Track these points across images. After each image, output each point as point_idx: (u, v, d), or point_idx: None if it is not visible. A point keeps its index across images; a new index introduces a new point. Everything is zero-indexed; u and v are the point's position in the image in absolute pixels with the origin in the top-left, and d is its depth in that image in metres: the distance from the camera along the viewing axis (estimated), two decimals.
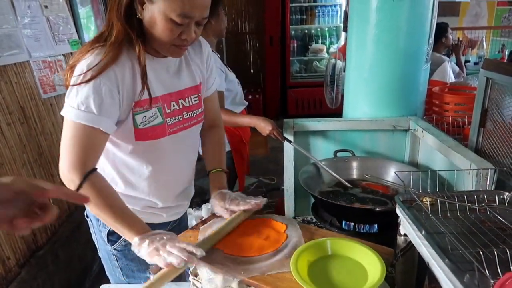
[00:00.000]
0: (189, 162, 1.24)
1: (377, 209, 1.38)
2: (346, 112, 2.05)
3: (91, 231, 1.26)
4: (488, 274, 0.78)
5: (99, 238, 1.22)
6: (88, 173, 0.95)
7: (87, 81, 0.94)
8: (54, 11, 2.31)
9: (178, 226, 1.31)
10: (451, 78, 2.84)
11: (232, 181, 2.27)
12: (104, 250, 1.22)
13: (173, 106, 1.10)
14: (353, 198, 1.58)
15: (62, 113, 0.98)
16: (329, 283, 0.89)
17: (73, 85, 0.95)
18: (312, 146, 1.97)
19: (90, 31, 2.86)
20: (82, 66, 0.96)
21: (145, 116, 1.04)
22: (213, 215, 1.17)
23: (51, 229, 2.02)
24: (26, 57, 2.01)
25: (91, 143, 0.97)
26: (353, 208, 1.46)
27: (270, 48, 5.35)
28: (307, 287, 0.84)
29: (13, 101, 1.88)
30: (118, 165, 1.12)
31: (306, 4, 5.25)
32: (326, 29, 5.43)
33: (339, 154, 1.87)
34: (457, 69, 3.26)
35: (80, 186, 0.94)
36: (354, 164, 1.82)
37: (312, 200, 1.78)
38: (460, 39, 4.08)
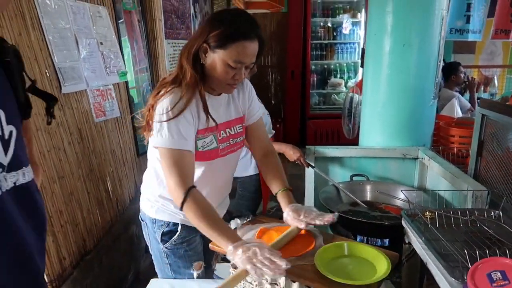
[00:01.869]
0: (229, 178, 1.51)
1: (386, 223, 1.60)
2: (362, 141, 2.29)
3: (144, 233, 1.51)
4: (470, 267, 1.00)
5: (152, 238, 1.47)
6: (189, 189, 1.19)
7: (175, 117, 1.20)
8: (107, 46, 2.66)
9: None
10: (458, 113, 3.06)
11: (258, 203, 2.50)
12: (156, 249, 1.47)
13: (223, 134, 1.37)
14: (367, 216, 1.80)
15: (156, 144, 1.24)
16: (345, 275, 1.11)
17: (163, 121, 1.21)
18: (330, 171, 2.21)
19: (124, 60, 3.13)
20: (166, 104, 1.22)
21: (205, 141, 1.32)
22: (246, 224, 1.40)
23: (97, 237, 2.28)
24: (84, 86, 2.34)
25: (186, 163, 1.22)
26: (366, 222, 1.68)
27: (291, 81, 5.68)
28: (327, 274, 1.07)
29: (73, 124, 2.19)
30: None
31: (326, 42, 5.59)
32: (345, 64, 5.75)
33: (354, 178, 2.10)
34: (468, 105, 3.48)
35: (184, 200, 1.17)
36: (368, 187, 2.04)
37: None
38: (473, 76, 4.31)
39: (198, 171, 1.34)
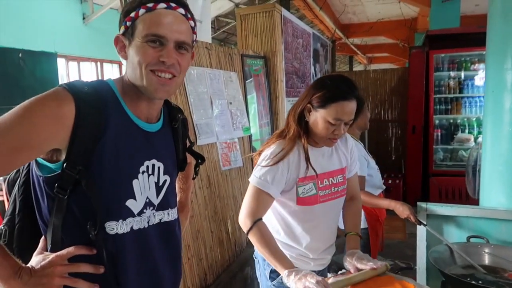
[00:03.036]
0: (332, 225, 1.62)
1: None
2: (482, 201, 2.17)
3: (256, 270, 1.70)
4: None
5: (262, 275, 1.64)
6: (257, 221, 1.40)
7: (272, 165, 1.43)
8: (235, 105, 3.08)
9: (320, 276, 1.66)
10: None
11: None
12: (265, 285, 1.63)
13: (325, 182, 1.52)
14: (484, 281, 1.68)
15: (249, 179, 1.48)
16: None
17: (261, 165, 1.45)
18: (444, 230, 2.12)
19: (250, 115, 3.52)
20: (267, 152, 1.47)
21: (305, 188, 1.48)
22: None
23: (217, 273, 2.55)
24: (215, 139, 2.74)
25: (262, 201, 1.44)
26: (480, 287, 1.57)
27: (412, 136, 5.50)
28: None
29: (204, 171, 2.56)
30: (282, 220, 1.56)
31: (451, 96, 5.34)
32: (474, 119, 5.37)
33: (472, 240, 1.97)
34: None
35: (250, 228, 1.40)
36: (488, 251, 1.89)
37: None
38: None
39: (302, 215, 1.50)
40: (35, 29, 4.70)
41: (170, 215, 1.07)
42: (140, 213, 0.98)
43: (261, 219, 1.43)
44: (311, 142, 1.51)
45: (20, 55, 4.43)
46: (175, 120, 1.09)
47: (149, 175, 0.99)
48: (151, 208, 1.01)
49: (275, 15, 3.68)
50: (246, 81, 3.36)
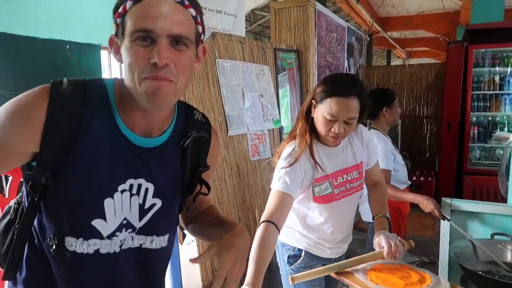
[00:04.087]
0: (349, 218, 1.68)
1: None
2: (510, 199, 2.15)
3: (276, 255, 1.79)
4: None
5: (281, 260, 1.73)
6: (267, 221, 1.32)
7: (287, 167, 1.45)
8: (266, 98, 3.16)
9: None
10: None
11: None
12: (284, 270, 1.72)
13: (340, 179, 1.57)
14: (505, 277, 1.69)
15: (271, 185, 1.48)
16: None
17: (280, 168, 1.47)
18: (469, 226, 2.13)
19: (283, 108, 3.59)
20: (284, 154, 1.50)
21: (320, 188, 1.54)
22: None
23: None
24: (245, 131, 2.84)
25: (281, 202, 1.40)
26: (501, 282, 1.59)
27: (447, 133, 5.39)
28: None
29: (233, 160, 2.67)
30: (300, 214, 1.63)
31: (491, 92, 5.17)
32: None
33: (496, 237, 1.98)
34: None
35: (259, 226, 1.34)
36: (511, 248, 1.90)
37: None
38: None
39: (318, 211, 1.57)
40: (79, 22, 4.95)
41: (154, 242, 0.93)
42: (111, 236, 0.86)
43: (273, 222, 1.33)
44: (323, 140, 1.54)
45: (67, 46, 4.70)
46: (186, 137, 0.93)
47: (132, 195, 0.87)
48: (130, 230, 0.89)
49: (309, 9, 3.72)
50: (279, 75, 3.43)
